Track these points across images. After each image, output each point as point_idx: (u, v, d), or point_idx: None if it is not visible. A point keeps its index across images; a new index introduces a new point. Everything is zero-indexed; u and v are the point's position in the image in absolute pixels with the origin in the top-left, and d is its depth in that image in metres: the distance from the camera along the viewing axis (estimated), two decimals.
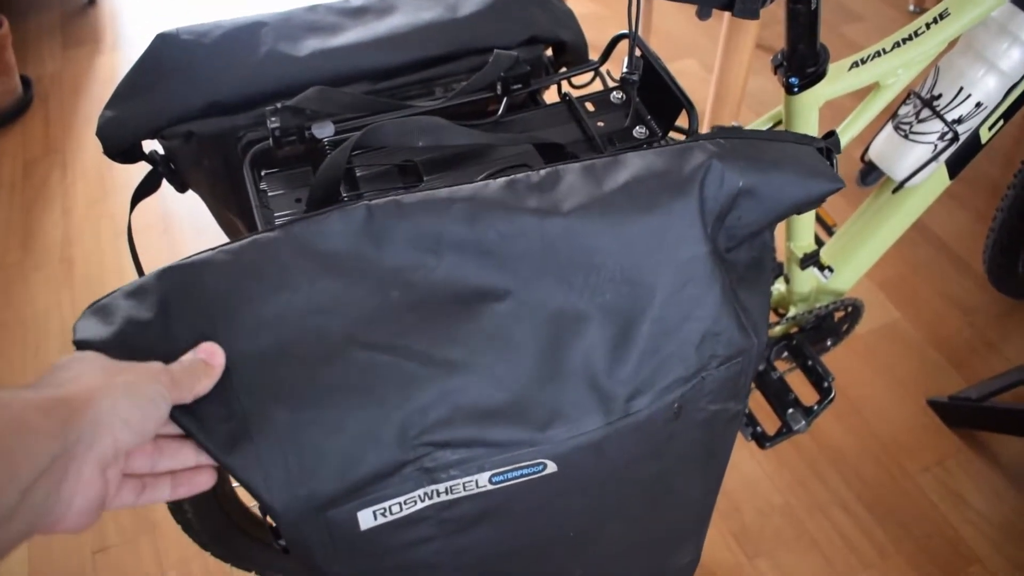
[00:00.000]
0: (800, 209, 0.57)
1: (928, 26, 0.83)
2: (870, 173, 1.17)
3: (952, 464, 1.28)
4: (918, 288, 1.54)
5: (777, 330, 1.14)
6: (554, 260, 0.49)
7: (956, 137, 0.91)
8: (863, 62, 0.86)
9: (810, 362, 1.08)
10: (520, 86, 0.73)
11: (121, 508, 0.42)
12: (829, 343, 1.19)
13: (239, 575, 1.12)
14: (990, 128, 0.94)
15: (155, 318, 0.44)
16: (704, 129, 1.67)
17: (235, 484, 0.91)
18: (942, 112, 0.91)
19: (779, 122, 1.03)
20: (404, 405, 0.44)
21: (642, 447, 0.52)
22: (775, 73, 0.86)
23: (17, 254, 1.63)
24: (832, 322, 1.16)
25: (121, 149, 0.74)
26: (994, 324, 1.48)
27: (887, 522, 1.21)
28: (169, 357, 0.42)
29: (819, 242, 1.08)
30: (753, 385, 1.12)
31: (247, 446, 0.42)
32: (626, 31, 0.70)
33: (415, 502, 0.46)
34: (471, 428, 0.46)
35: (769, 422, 1.09)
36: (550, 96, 0.79)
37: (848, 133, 0.92)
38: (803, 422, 1.05)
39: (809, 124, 0.88)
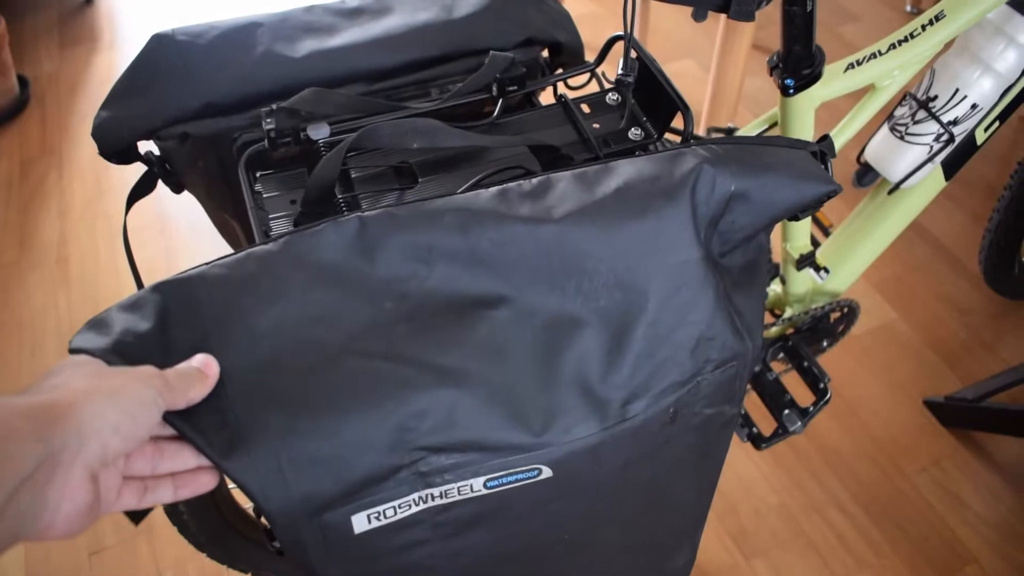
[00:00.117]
0: (796, 213, 0.57)
1: (924, 28, 0.84)
2: (866, 174, 1.18)
3: (948, 464, 1.28)
4: (914, 289, 1.54)
5: (773, 331, 1.14)
6: (547, 267, 0.49)
7: (952, 138, 0.91)
8: (859, 64, 0.86)
9: (806, 363, 1.09)
10: (516, 88, 0.73)
11: (124, 510, 0.42)
12: (825, 344, 1.20)
13: None
14: (986, 129, 0.94)
15: (152, 329, 0.44)
16: (700, 130, 1.67)
17: (231, 486, 0.91)
18: (938, 114, 0.91)
19: (775, 123, 1.03)
20: (399, 410, 0.44)
21: (638, 452, 0.52)
22: (771, 75, 0.86)
23: (14, 254, 1.62)
24: (828, 323, 1.16)
25: (117, 150, 0.73)
26: (990, 325, 1.48)
27: (883, 522, 1.21)
28: (165, 366, 0.42)
29: (815, 243, 1.08)
30: (749, 386, 1.12)
31: (242, 451, 0.42)
32: (622, 32, 0.70)
33: (409, 506, 0.46)
34: (466, 433, 0.45)
35: (765, 423, 1.09)
36: (546, 98, 0.79)
37: (844, 135, 0.92)
38: (799, 423, 1.05)
39: (805, 126, 0.88)
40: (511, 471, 0.47)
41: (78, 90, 2.01)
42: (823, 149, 0.60)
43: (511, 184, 0.53)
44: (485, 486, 0.47)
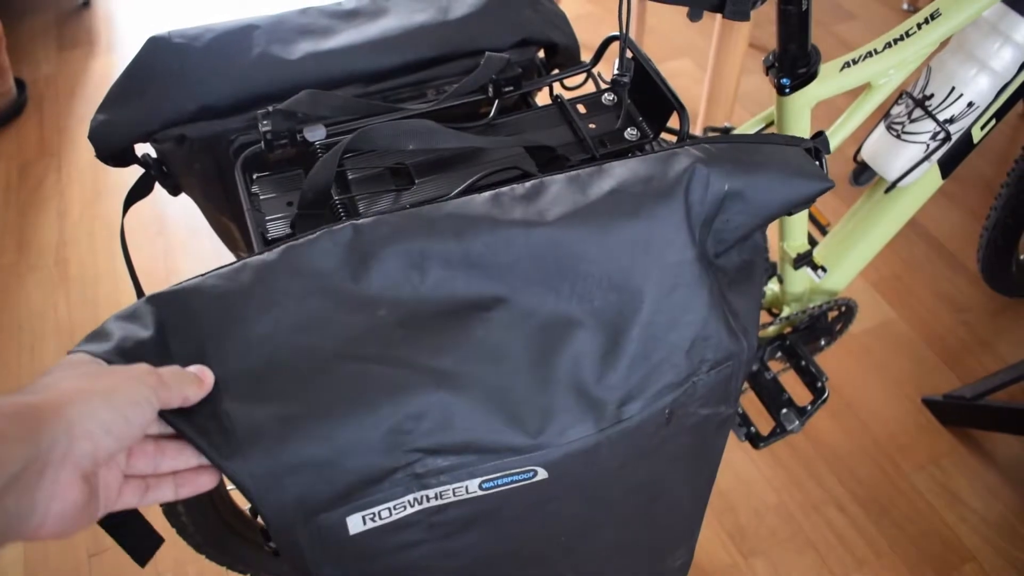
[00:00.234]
0: (791, 210, 0.57)
1: (919, 26, 0.84)
2: (863, 173, 1.18)
3: (947, 463, 1.28)
4: (912, 287, 1.54)
5: (771, 330, 1.14)
6: (541, 269, 0.49)
7: (948, 137, 0.91)
8: (855, 62, 0.86)
9: (804, 362, 1.09)
10: (512, 88, 0.73)
11: (126, 509, 0.42)
12: (823, 343, 1.20)
13: None
14: (982, 127, 0.94)
15: (152, 337, 0.45)
16: (697, 130, 1.67)
17: (229, 487, 0.91)
18: (934, 112, 0.91)
19: (771, 122, 1.03)
20: (395, 412, 0.44)
21: (633, 453, 0.52)
22: (767, 74, 0.86)
23: (12, 256, 1.63)
24: (826, 322, 1.16)
25: (113, 153, 0.74)
26: (988, 322, 1.48)
27: (882, 521, 1.21)
28: None
29: (812, 242, 1.08)
30: (747, 385, 1.12)
31: (239, 453, 0.42)
32: (618, 32, 0.70)
33: (405, 507, 0.46)
34: (462, 435, 0.46)
35: (763, 422, 1.10)
36: (542, 98, 0.79)
37: (840, 133, 0.92)
38: (797, 422, 1.05)
39: (801, 125, 0.88)
40: (507, 472, 0.47)
41: (76, 93, 2.01)
42: (817, 145, 0.61)
43: (504, 188, 0.53)
44: (480, 487, 0.47)
